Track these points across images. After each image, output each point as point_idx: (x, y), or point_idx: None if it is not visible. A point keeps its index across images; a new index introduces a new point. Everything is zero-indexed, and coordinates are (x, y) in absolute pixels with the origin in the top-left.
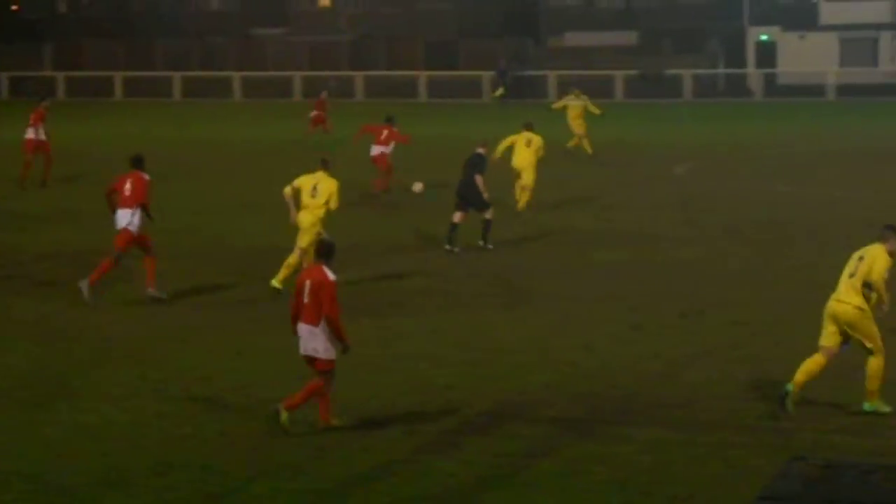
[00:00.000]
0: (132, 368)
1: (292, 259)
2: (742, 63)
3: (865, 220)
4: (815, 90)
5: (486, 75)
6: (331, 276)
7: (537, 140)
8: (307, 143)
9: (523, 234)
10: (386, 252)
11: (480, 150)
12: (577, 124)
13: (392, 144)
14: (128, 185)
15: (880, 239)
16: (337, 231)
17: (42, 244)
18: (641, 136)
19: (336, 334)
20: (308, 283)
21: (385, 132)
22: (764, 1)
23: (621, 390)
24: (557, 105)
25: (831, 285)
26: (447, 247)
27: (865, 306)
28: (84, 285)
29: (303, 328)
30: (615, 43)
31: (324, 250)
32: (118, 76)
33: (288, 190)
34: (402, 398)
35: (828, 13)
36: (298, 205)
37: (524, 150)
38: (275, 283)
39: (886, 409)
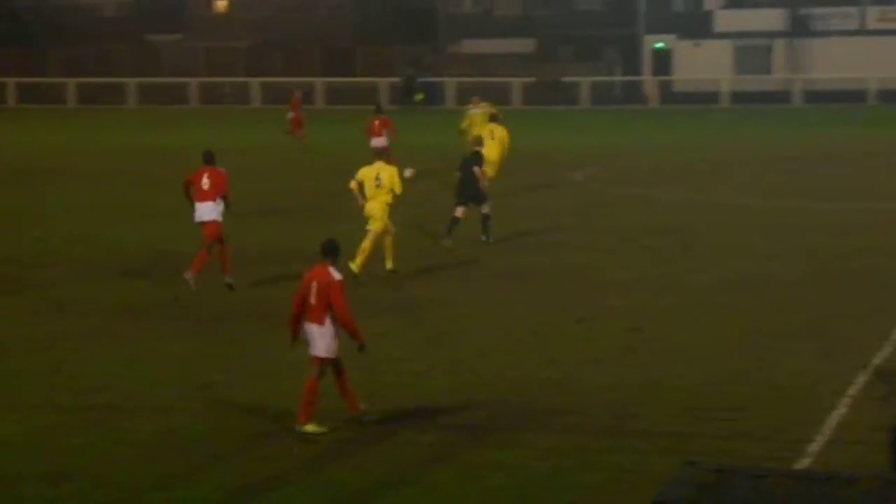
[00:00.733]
0: (24, 378)
1: (367, 244)
2: (638, 70)
3: (757, 226)
4: (710, 97)
5: (384, 82)
6: (337, 275)
7: (500, 131)
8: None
9: (421, 243)
10: (288, 258)
11: (479, 149)
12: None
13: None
14: (205, 180)
15: None
16: (244, 237)
17: None
18: (539, 143)
19: (351, 333)
20: (315, 283)
21: (377, 122)
22: (659, 9)
23: (518, 397)
24: (464, 124)
25: (724, 290)
26: (445, 242)
27: None
28: (189, 276)
29: (311, 328)
30: (513, 50)
31: (329, 250)
32: (11, 82)
33: (353, 184)
34: (298, 406)
35: (722, 21)
36: (363, 195)
37: (489, 142)
38: (353, 266)
39: None
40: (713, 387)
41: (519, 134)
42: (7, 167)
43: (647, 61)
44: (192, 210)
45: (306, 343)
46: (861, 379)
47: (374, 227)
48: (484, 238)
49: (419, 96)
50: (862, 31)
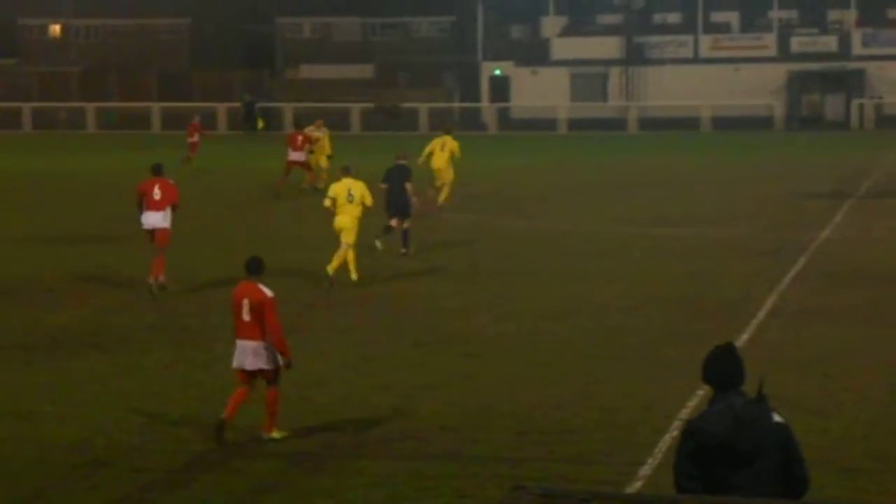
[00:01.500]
0: None
1: (342, 252)
2: (476, 97)
3: (593, 252)
4: (548, 124)
5: (222, 107)
6: (268, 293)
7: (451, 143)
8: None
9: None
10: (117, 286)
11: (402, 162)
12: (322, 158)
13: (308, 147)
14: (157, 190)
15: None
16: (66, 264)
17: None
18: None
19: (280, 350)
20: (246, 301)
21: (300, 137)
22: (497, 36)
23: (353, 423)
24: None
25: (560, 316)
26: (377, 243)
27: None
28: (156, 281)
29: (245, 345)
30: (351, 76)
31: (254, 266)
32: None
33: (328, 202)
34: (129, 436)
35: (559, 49)
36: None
37: (438, 153)
38: (329, 270)
39: None
40: (547, 411)
41: (357, 160)
42: None
43: (485, 88)
44: (140, 218)
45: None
46: (692, 403)
47: (347, 239)
48: (403, 251)
49: (260, 123)
50: (695, 60)
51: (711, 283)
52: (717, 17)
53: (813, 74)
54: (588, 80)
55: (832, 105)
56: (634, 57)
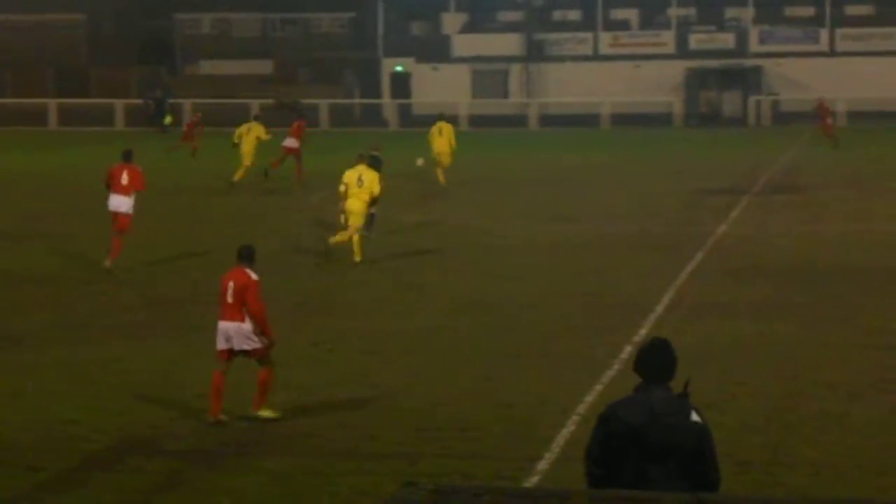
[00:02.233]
0: None
1: (349, 232)
2: (377, 93)
3: (494, 248)
4: (448, 120)
5: (119, 103)
6: (254, 276)
7: (448, 128)
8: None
9: (155, 264)
10: (15, 284)
11: (375, 153)
12: (248, 153)
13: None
14: (124, 175)
15: None
16: None
17: None
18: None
19: (262, 329)
20: (231, 284)
21: (296, 125)
22: (398, 33)
23: (251, 421)
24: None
25: (460, 312)
26: (365, 233)
27: None
28: (108, 263)
29: (228, 326)
30: (251, 72)
31: (245, 254)
32: None
33: (342, 188)
34: (23, 435)
35: (460, 45)
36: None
37: (438, 138)
38: (331, 241)
39: None
40: (445, 408)
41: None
42: None
43: (386, 84)
44: (107, 200)
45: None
46: (589, 398)
47: (354, 222)
48: (366, 233)
49: (168, 118)
50: (595, 57)
51: (610, 278)
52: (617, 14)
53: (711, 71)
54: (489, 77)
55: (730, 102)
56: (535, 54)
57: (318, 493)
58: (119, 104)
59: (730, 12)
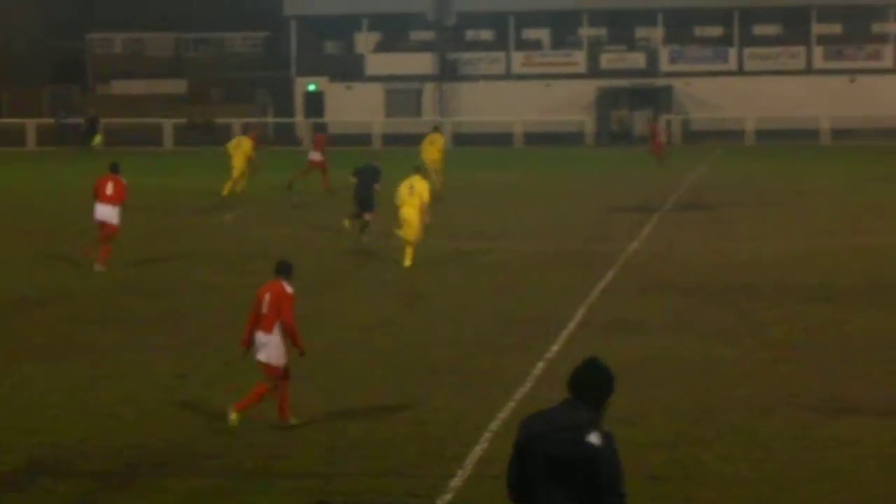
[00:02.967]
0: None
1: (409, 244)
2: (291, 112)
3: (399, 265)
4: (362, 139)
5: (32, 123)
6: (289, 289)
7: (439, 140)
8: None
9: (72, 286)
10: None
11: (375, 164)
12: (238, 167)
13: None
14: (110, 186)
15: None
16: None
17: None
18: (190, 184)
19: (293, 340)
20: (268, 296)
21: (320, 138)
22: (311, 52)
23: (163, 441)
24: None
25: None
26: (364, 239)
27: None
28: (98, 267)
29: (260, 336)
30: (164, 91)
31: (282, 268)
32: None
33: (397, 199)
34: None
35: (373, 65)
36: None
37: (429, 148)
38: (407, 262)
39: None
40: (358, 425)
41: (171, 175)
42: None
43: (299, 103)
44: (94, 209)
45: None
46: (502, 414)
47: (408, 229)
48: (363, 238)
49: (97, 139)
50: (508, 76)
51: (523, 295)
52: (529, 34)
53: (621, 90)
54: (402, 96)
55: (640, 121)
56: (448, 73)
57: None
58: (31, 124)
59: (640, 32)
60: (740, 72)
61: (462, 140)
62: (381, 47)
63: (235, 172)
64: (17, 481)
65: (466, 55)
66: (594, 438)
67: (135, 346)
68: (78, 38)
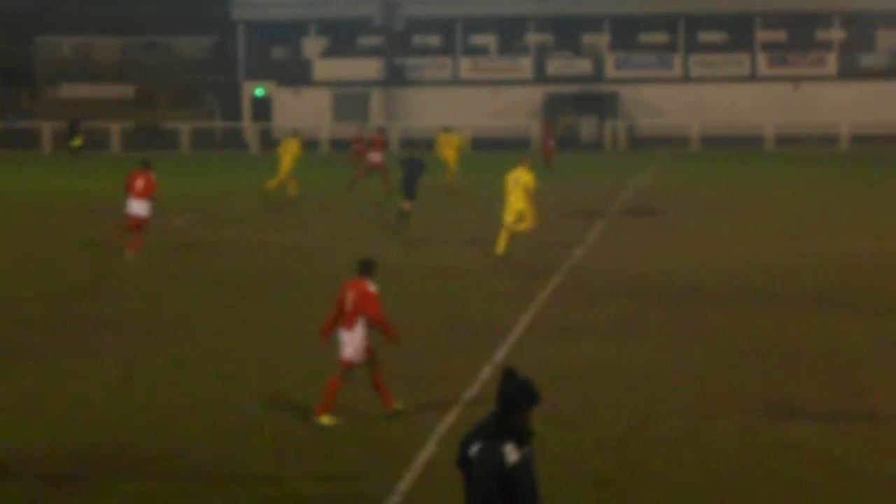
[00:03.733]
0: None
1: (527, 225)
2: (238, 116)
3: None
4: (310, 144)
5: None
6: (372, 288)
7: (455, 138)
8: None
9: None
10: None
11: (421, 157)
12: (286, 170)
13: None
14: (139, 181)
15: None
16: None
17: None
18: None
19: (386, 333)
20: (351, 294)
21: (377, 140)
22: (258, 56)
23: (112, 444)
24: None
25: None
26: (406, 205)
27: None
28: (129, 255)
29: (343, 335)
30: (112, 95)
31: (364, 267)
32: None
33: (505, 190)
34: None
35: (321, 70)
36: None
37: (447, 147)
38: (522, 229)
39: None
40: (306, 429)
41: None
42: None
43: (247, 108)
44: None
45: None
46: (449, 418)
47: (511, 217)
48: (397, 222)
49: (77, 141)
50: (455, 82)
51: (469, 301)
52: (476, 39)
53: (568, 96)
54: (350, 101)
55: (587, 126)
56: (395, 78)
57: None
58: None
59: (586, 38)
60: (685, 78)
61: (408, 145)
62: (329, 52)
63: (283, 174)
64: None
65: (414, 60)
66: (474, 450)
67: (84, 351)
68: (25, 41)
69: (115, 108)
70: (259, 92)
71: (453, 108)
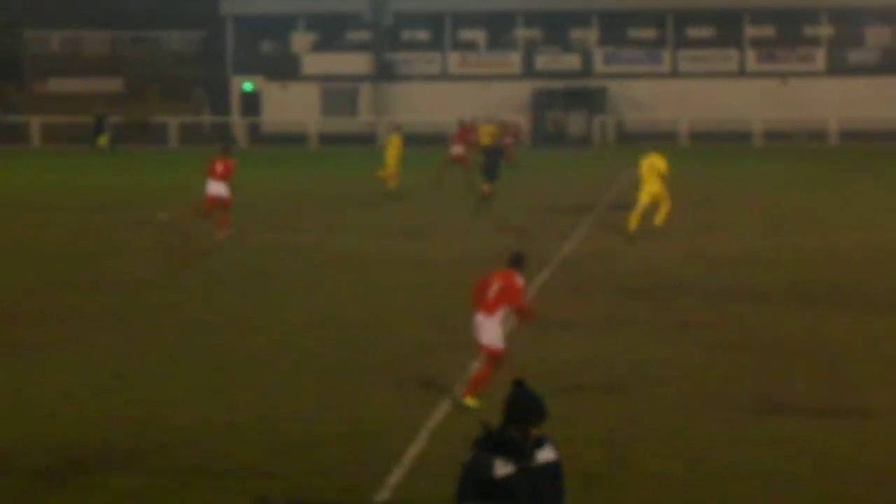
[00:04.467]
0: None
1: (663, 211)
2: (227, 111)
3: (338, 266)
4: (298, 138)
5: None
6: (520, 282)
7: (489, 128)
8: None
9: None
10: None
11: (502, 145)
12: (391, 164)
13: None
14: (219, 165)
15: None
16: None
17: None
18: (127, 182)
19: (529, 319)
20: (498, 283)
21: (464, 129)
22: (247, 51)
23: (100, 439)
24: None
25: (308, 330)
26: (485, 187)
27: None
28: (219, 235)
29: (480, 318)
30: (101, 89)
31: (515, 259)
32: None
33: (640, 172)
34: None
35: (310, 64)
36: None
37: (487, 136)
38: (657, 222)
39: None
40: (296, 424)
41: (106, 174)
42: None
43: (235, 102)
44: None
45: None
46: (438, 413)
47: (659, 218)
48: (480, 207)
49: (103, 139)
50: (444, 77)
51: (457, 295)
52: (465, 34)
53: (556, 92)
54: (338, 96)
55: (575, 121)
56: (384, 73)
57: None
58: None
59: (575, 33)
60: (674, 73)
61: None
62: (318, 47)
63: (390, 168)
64: None
65: (402, 55)
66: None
67: (72, 344)
68: (14, 35)
69: (103, 102)
70: (248, 86)
71: (442, 102)
